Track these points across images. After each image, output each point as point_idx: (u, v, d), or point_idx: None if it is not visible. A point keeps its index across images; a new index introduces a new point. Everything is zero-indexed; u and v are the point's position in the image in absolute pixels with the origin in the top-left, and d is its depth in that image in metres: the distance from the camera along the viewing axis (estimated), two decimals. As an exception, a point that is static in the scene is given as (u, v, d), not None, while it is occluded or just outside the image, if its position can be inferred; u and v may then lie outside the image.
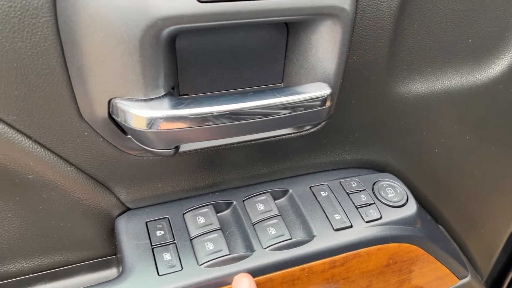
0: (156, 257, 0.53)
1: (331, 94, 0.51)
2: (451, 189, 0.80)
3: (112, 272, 0.62)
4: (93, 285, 0.50)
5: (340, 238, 0.58)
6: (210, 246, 0.54)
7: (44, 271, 0.59)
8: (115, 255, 0.62)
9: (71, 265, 0.60)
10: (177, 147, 0.50)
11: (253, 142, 0.58)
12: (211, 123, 0.47)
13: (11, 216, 0.53)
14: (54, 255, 0.58)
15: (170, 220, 0.57)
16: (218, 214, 0.59)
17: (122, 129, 0.49)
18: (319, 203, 0.62)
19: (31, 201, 0.52)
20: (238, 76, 0.54)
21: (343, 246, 0.58)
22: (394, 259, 0.63)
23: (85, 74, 0.43)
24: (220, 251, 0.54)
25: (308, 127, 0.60)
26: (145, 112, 0.45)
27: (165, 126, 0.45)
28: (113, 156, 0.52)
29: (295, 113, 0.50)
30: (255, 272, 0.54)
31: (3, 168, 0.47)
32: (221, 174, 0.60)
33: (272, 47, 0.54)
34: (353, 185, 0.65)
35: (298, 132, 0.60)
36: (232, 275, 0.53)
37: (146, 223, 0.57)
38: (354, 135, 0.65)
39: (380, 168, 0.71)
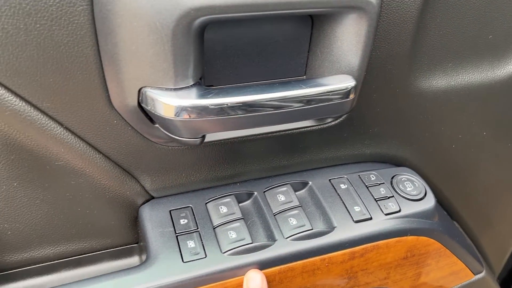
0: (180, 245, 0.54)
1: (355, 87, 0.52)
2: (466, 185, 0.80)
3: (134, 260, 0.63)
4: (120, 271, 0.51)
5: (360, 230, 0.59)
6: (233, 235, 0.55)
7: (69, 257, 0.60)
8: (137, 243, 0.63)
9: (95, 252, 0.61)
10: (203, 137, 0.50)
11: (274, 134, 0.59)
12: (238, 113, 0.48)
13: (39, 202, 0.54)
14: (79, 242, 0.59)
15: (193, 209, 0.58)
16: (239, 204, 0.60)
17: (150, 118, 0.50)
18: (338, 195, 0.62)
19: (59, 187, 0.53)
20: (262, 68, 0.55)
21: (363, 238, 0.59)
22: (412, 252, 0.64)
23: (118, 62, 0.44)
24: (243, 239, 0.55)
25: (329, 120, 0.60)
26: (174, 101, 0.46)
27: (193, 115, 0.46)
28: (140, 145, 0.53)
29: (319, 104, 0.51)
30: (276, 261, 0.55)
31: (35, 154, 0.49)
32: (243, 165, 0.61)
33: (296, 40, 0.55)
34: (372, 178, 0.65)
35: (319, 125, 0.61)
36: (255, 263, 0.54)
37: (170, 211, 0.58)
38: (374, 129, 0.65)
39: (397, 163, 0.72)
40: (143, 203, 0.59)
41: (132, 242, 0.63)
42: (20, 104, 0.44)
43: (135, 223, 0.60)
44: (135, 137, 0.52)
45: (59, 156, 0.49)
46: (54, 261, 0.60)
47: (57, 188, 0.53)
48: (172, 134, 0.49)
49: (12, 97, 0.43)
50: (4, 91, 0.43)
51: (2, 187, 0.51)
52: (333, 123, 0.61)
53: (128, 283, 0.50)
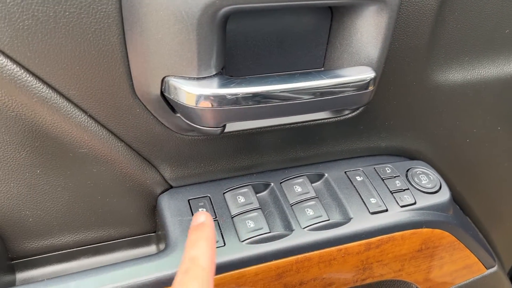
0: (199, 233, 0.55)
1: (374, 78, 0.52)
2: (479, 180, 0.81)
3: (151, 249, 0.64)
4: (140, 258, 0.52)
5: (376, 221, 0.60)
6: (251, 224, 0.56)
7: (88, 245, 0.61)
8: (155, 232, 0.64)
9: (113, 240, 0.62)
10: (223, 126, 0.51)
11: (292, 125, 0.60)
12: (259, 103, 0.48)
13: (60, 190, 0.55)
14: (98, 230, 0.60)
15: (211, 198, 0.59)
16: (256, 195, 0.61)
17: (172, 107, 0.50)
18: (354, 187, 0.63)
19: (81, 175, 0.54)
20: (281, 59, 0.56)
21: (379, 229, 0.59)
22: (426, 245, 0.65)
23: (143, 51, 0.45)
24: (261, 229, 0.56)
25: (346, 112, 0.61)
26: (197, 90, 0.46)
27: (214, 104, 0.47)
28: (161, 134, 0.53)
29: (339, 95, 0.51)
30: (294, 251, 0.56)
31: (59, 141, 0.49)
32: (260, 156, 0.62)
33: (315, 32, 0.55)
34: (388, 171, 0.66)
35: (336, 117, 0.61)
36: (273, 252, 0.55)
37: (189, 200, 0.58)
38: (390, 121, 0.66)
39: (412, 156, 0.72)
40: (162, 192, 0.60)
41: (150, 231, 0.63)
42: (47, 91, 0.45)
43: (154, 212, 0.61)
44: (156, 126, 0.53)
45: (82, 143, 0.50)
46: (73, 248, 0.61)
47: (79, 176, 0.54)
48: (194, 123, 0.50)
49: (39, 84, 0.44)
50: (32, 78, 0.43)
51: (25, 174, 0.52)
52: (350, 115, 0.61)
53: (148, 270, 0.51)
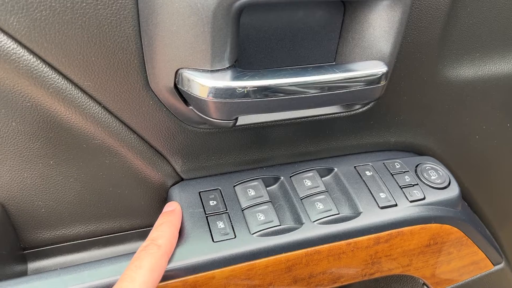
0: (210, 225, 0.55)
1: (386, 73, 0.52)
2: (488, 177, 0.81)
3: (161, 241, 0.65)
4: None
5: (385, 216, 0.60)
6: (261, 217, 0.56)
7: (99, 236, 0.61)
8: (165, 224, 0.64)
9: (124, 232, 0.62)
10: (235, 119, 0.51)
11: (303, 119, 0.60)
12: (272, 96, 0.48)
13: (73, 181, 0.55)
14: (109, 221, 0.61)
15: (221, 191, 0.59)
16: (266, 188, 0.61)
17: (185, 100, 0.51)
18: (364, 182, 0.63)
19: (94, 166, 0.54)
20: (293, 53, 0.56)
21: (388, 224, 0.60)
22: (435, 240, 0.65)
23: (157, 43, 0.45)
24: (271, 221, 0.56)
25: (357, 107, 0.61)
26: (210, 82, 0.46)
27: (227, 97, 0.47)
28: (173, 127, 0.54)
29: (351, 89, 0.51)
30: (303, 244, 0.56)
31: (73, 132, 0.50)
32: (270, 150, 0.62)
33: (328, 26, 0.55)
34: (397, 166, 0.66)
35: (347, 112, 0.61)
36: (283, 245, 0.55)
37: (200, 193, 0.59)
38: (400, 117, 0.66)
39: (421, 152, 0.72)
40: (173, 185, 0.60)
41: (160, 223, 0.64)
42: (62, 82, 0.45)
43: (164, 204, 0.61)
44: (169, 118, 0.53)
45: (96, 135, 0.51)
46: (84, 239, 0.61)
47: (91, 167, 0.54)
48: (206, 115, 0.50)
49: (55, 75, 0.44)
50: (48, 69, 0.44)
51: (38, 165, 0.53)
52: (360, 110, 0.62)
53: (160, 260, 0.51)
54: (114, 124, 0.51)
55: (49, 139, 0.50)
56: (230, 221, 0.56)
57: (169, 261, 0.51)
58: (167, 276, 0.51)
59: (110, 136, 0.51)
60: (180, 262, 0.51)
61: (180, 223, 0.55)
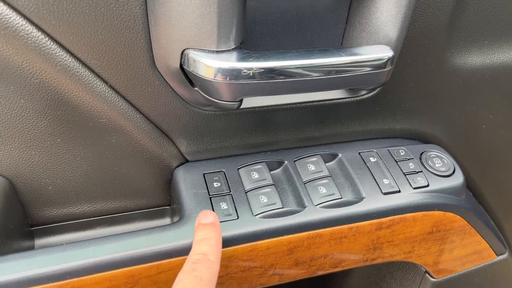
0: (213, 206, 0.56)
1: (392, 58, 0.52)
2: (494, 166, 0.80)
3: (165, 221, 0.66)
4: (155, 227, 0.53)
5: (388, 202, 0.60)
6: (264, 199, 0.57)
7: (105, 215, 0.62)
8: (169, 205, 0.65)
9: (129, 211, 0.63)
10: (240, 101, 0.52)
11: (308, 104, 0.60)
12: (277, 78, 0.49)
13: (79, 159, 0.56)
14: (114, 200, 0.62)
15: (225, 173, 0.60)
16: (270, 172, 0.61)
17: (190, 81, 0.51)
18: (368, 168, 0.63)
19: (100, 145, 0.55)
20: (300, 37, 0.56)
21: (391, 209, 0.60)
22: (437, 227, 0.65)
23: (164, 23, 0.45)
24: (274, 204, 0.56)
25: (363, 93, 0.61)
26: (216, 63, 0.47)
27: (233, 78, 0.47)
28: (179, 108, 0.54)
29: (357, 73, 0.51)
30: (305, 227, 0.57)
31: (80, 110, 0.50)
32: (275, 134, 0.63)
33: (334, 10, 0.55)
34: (401, 153, 0.66)
35: (352, 97, 0.61)
36: (285, 227, 0.55)
37: (204, 174, 0.59)
38: (405, 104, 0.66)
39: (426, 140, 0.72)
40: (178, 166, 0.61)
41: (164, 204, 0.65)
42: (70, 60, 0.46)
43: (169, 185, 0.62)
44: (174, 99, 0.53)
45: (103, 113, 0.51)
46: (90, 218, 0.62)
47: (98, 146, 0.55)
48: (211, 96, 0.51)
49: (63, 53, 0.45)
50: (56, 46, 0.44)
51: (46, 143, 0.53)
52: (366, 96, 0.62)
53: (164, 239, 0.52)
54: (121, 103, 0.51)
55: (57, 117, 0.51)
56: (233, 203, 0.57)
57: (173, 240, 0.52)
58: (171, 253, 0.52)
59: (117, 115, 0.52)
60: (183, 240, 0.52)
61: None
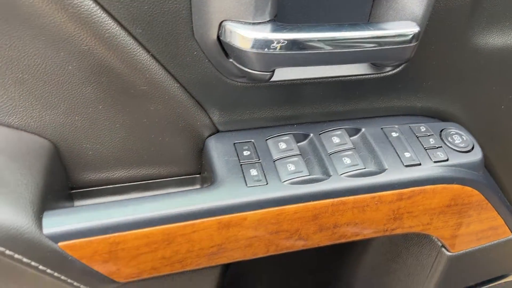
0: (244, 172, 0.59)
1: (418, 33, 0.55)
2: (510, 147, 0.82)
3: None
4: (191, 189, 0.57)
5: (409, 174, 0.63)
6: (291, 167, 0.60)
7: (139, 181, 0.66)
8: (200, 174, 0.69)
9: (162, 178, 0.67)
10: (272, 72, 0.55)
11: (334, 79, 0.63)
12: (308, 49, 0.52)
13: (119, 126, 0.60)
14: (149, 167, 0.65)
15: (254, 143, 0.63)
16: (297, 144, 0.64)
17: (226, 53, 0.54)
18: (390, 142, 0.66)
19: (139, 112, 0.58)
20: (328, 14, 0.59)
21: (411, 181, 0.63)
22: (455, 201, 0.68)
23: (204, -5, 0.49)
24: (301, 171, 0.60)
25: (387, 69, 0.64)
26: (251, 34, 0.50)
27: (266, 48, 0.50)
28: (214, 79, 0.57)
29: (384, 47, 0.54)
30: (330, 194, 0.60)
31: (122, 78, 0.54)
32: (301, 107, 0.66)
33: (363, -12, 0.58)
34: (422, 130, 0.69)
35: (377, 73, 0.64)
36: (311, 193, 0.59)
37: (234, 144, 0.63)
38: (428, 82, 0.68)
39: (445, 118, 0.75)
40: (209, 136, 0.64)
41: (195, 173, 0.68)
42: (117, 28, 0.49)
43: (200, 154, 0.66)
44: (210, 70, 0.57)
45: (144, 80, 0.55)
46: (125, 183, 0.66)
47: (137, 113, 0.59)
48: (245, 67, 0.54)
49: (111, 21, 0.48)
50: (105, 14, 0.48)
51: (88, 109, 0.57)
52: (390, 72, 0.64)
53: (198, 200, 0.55)
54: (160, 72, 0.54)
55: (101, 83, 0.54)
56: (263, 170, 0.60)
57: (207, 201, 0.56)
58: (204, 214, 0.55)
59: (156, 84, 0.55)
60: (216, 202, 0.56)
61: None
